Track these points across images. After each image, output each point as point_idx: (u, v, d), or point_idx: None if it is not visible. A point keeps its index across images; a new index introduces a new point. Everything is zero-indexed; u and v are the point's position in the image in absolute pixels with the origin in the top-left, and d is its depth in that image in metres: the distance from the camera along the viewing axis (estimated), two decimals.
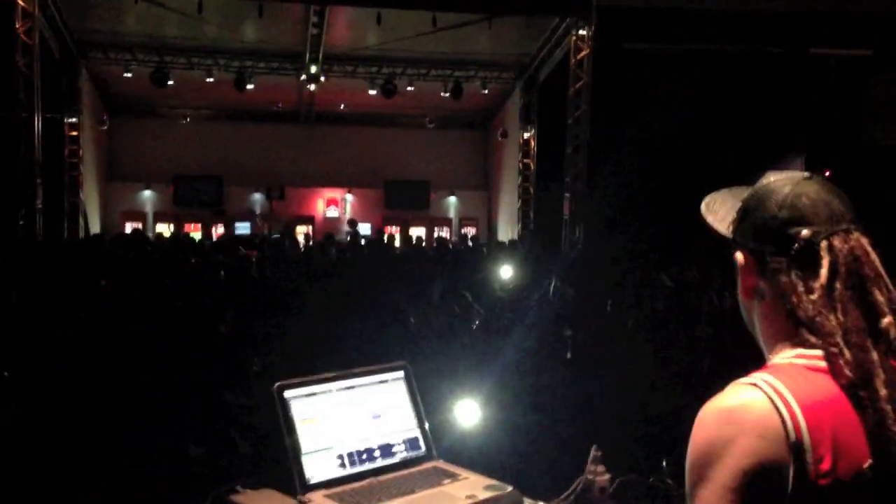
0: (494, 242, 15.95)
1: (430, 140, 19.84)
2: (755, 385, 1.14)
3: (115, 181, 19.01)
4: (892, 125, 13.55)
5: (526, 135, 17.37)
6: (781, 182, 1.25)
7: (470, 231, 19.22)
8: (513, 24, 14.73)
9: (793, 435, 1.09)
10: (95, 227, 17.03)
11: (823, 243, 1.19)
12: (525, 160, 17.44)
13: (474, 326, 6.22)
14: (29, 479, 3.75)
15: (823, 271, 1.17)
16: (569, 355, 5.71)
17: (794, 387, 1.13)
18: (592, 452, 2.17)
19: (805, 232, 1.20)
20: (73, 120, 15.57)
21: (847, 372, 1.13)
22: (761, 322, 1.28)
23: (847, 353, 1.13)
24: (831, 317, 1.16)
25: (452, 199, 20.73)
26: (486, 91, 17.42)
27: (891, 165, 11.82)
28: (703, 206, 1.37)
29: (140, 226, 17.34)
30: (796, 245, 1.20)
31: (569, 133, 14.09)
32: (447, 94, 16.86)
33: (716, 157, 13.91)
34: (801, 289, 1.19)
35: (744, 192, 1.31)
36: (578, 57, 13.81)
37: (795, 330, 1.20)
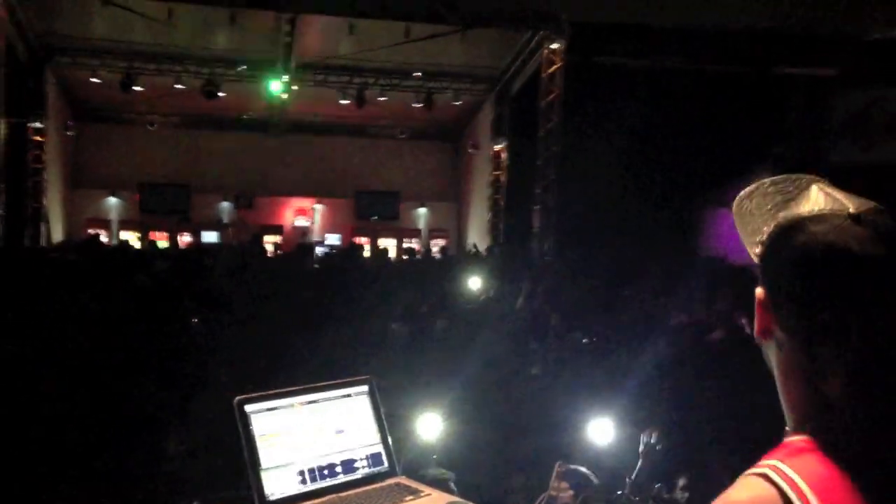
0: (463, 254, 15.95)
1: (402, 151, 19.82)
2: (765, 476, 0.97)
3: (80, 188, 18.72)
4: (855, 144, 13.80)
5: (497, 147, 17.43)
6: (820, 221, 1.00)
7: (440, 243, 19.20)
8: (486, 36, 14.80)
9: None
10: (58, 235, 16.74)
11: (853, 317, 0.96)
12: (496, 172, 17.51)
13: (437, 339, 6.20)
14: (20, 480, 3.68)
15: (849, 356, 0.96)
16: (534, 371, 5.70)
17: (807, 472, 0.97)
18: (556, 468, 2.16)
19: (833, 300, 0.97)
20: (38, 125, 15.34)
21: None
22: (777, 371, 1.07)
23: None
24: (851, 410, 0.97)
25: (422, 211, 20.71)
26: (459, 103, 17.47)
27: (855, 185, 12.01)
28: (735, 204, 1.12)
29: (103, 233, 17.03)
30: (819, 316, 0.97)
31: (540, 146, 14.16)
32: (419, 105, 16.89)
33: (683, 171, 14.10)
34: (819, 370, 0.99)
35: (790, 197, 1.07)
36: (550, 70, 13.93)
37: (811, 402, 1.02)
